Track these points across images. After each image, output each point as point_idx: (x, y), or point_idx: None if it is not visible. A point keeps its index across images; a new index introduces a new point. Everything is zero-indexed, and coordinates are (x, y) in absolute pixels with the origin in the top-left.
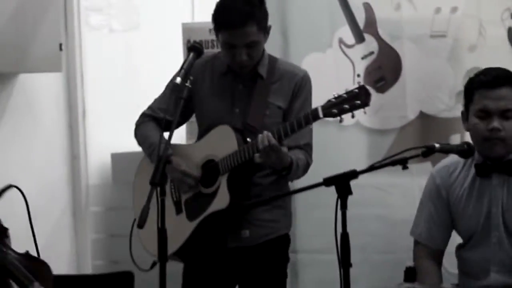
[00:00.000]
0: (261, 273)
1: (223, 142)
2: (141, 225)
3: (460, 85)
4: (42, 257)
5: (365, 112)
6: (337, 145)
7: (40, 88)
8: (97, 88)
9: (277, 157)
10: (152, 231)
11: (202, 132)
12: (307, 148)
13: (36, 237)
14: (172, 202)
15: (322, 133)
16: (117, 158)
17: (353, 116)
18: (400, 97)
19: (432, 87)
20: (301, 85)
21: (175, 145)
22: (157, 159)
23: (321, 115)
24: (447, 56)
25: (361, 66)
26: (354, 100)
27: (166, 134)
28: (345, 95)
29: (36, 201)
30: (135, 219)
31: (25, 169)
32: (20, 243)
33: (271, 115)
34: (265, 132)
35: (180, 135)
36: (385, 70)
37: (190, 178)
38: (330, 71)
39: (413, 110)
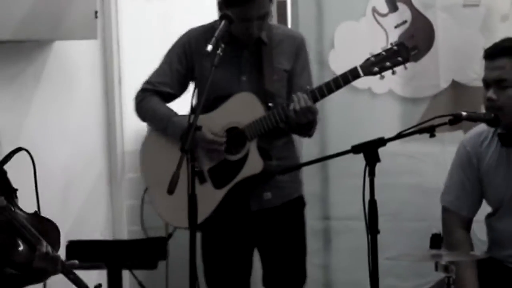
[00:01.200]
0: (282, 233)
1: (247, 109)
2: (171, 190)
3: None
4: (77, 222)
5: (406, 68)
6: (369, 114)
7: (76, 55)
8: (133, 55)
9: (313, 117)
10: (170, 200)
11: (211, 102)
12: None
13: (72, 202)
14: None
15: (355, 101)
16: None
17: (393, 73)
18: (432, 66)
19: (465, 57)
20: (301, 47)
21: (186, 116)
22: (187, 126)
23: (361, 73)
24: (479, 26)
25: (394, 35)
26: (395, 57)
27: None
28: (384, 53)
29: (71, 168)
30: (146, 188)
31: (61, 136)
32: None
33: (279, 79)
34: (299, 94)
35: None
36: (418, 39)
37: (220, 146)
38: (364, 40)
39: (446, 79)
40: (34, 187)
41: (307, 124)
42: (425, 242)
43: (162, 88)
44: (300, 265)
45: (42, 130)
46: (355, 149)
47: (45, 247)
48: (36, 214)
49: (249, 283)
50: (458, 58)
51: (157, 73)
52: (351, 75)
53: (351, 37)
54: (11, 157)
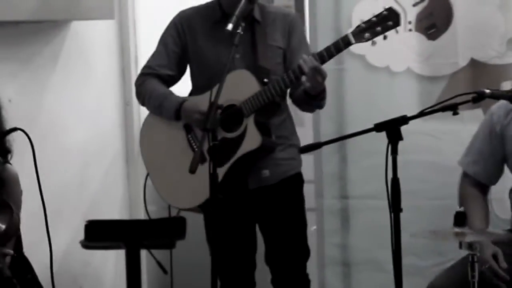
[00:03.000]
0: (281, 210)
1: (242, 86)
2: (193, 170)
3: (511, 32)
4: (95, 202)
5: (397, 32)
6: (388, 92)
7: (93, 35)
8: (149, 35)
9: (323, 80)
10: (172, 181)
11: (205, 81)
12: None
13: (89, 183)
14: (193, 152)
15: (373, 80)
16: None
17: (385, 38)
18: (451, 44)
19: (483, 34)
20: (294, 24)
21: (187, 98)
22: (209, 105)
23: (352, 40)
24: (498, 3)
25: (413, 13)
26: (385, 21)
27: None
28: (374, 18)
29: (88, 147)
30: (148, 174)
31: (78, 116)
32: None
33: (273, 56)
34: (304, 56)
35: None
36: (436, 17)
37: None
38: None
39: (464, 57)
40: (34, 169)
41: (319, 93)
42: (445, 220)
43: (162, 71)
44: (302, 241)
45: (59, 110)
46: (378, 127)
47: None
48: None
49: (255, 260)
50: (476, 36)
51: (154, 56)
52: (343, 43)
53: (369, 15)
54: (7, 135)
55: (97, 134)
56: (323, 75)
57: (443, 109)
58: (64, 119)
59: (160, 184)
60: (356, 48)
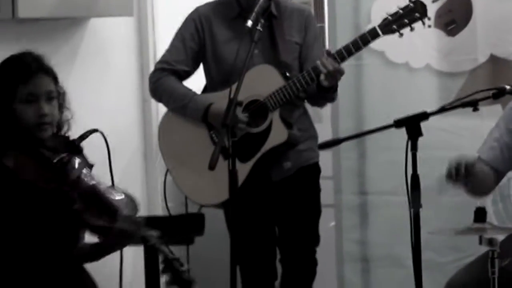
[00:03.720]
0: (297, 196)
1: (265, 81)
2: (212, 167)
3: None
4: None
5: (424, 24)
6: (407, 88)
7: (111, 32)
8: (168, 32)
9: (340, 78)
10: (194, 178)
11: (223, 77)
12: None
13: (107, 179)
14: None
15: (392, 76)
16: None
17: (412, 29)
18: (470, 40)
19: (503, 30)
20: (310, 20)
21: (207, 95)
22: (228, 101)
23: (380, 33)
24: None
25: (432, 9)
26: (412, 13)
27: None
28: (400, 11)
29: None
30: (167, 170)
31: (96, 113)
32: None
33: (292, 51)
34: (323, 58)
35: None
36: (456, 13)
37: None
38: None
39: (484, 53)
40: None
41: (333, 87)
42: (464, 216)
43: (179, 67)
44: (313, 227)
45: (77, 107)
46: (398, 123)
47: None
48: (113, 187)
49: (276, 251)
50: (496, 32)
51: (171, 52)
52: (370, 35)
53: (389, 12)
54: (86, 137)
55: (116, 131)
56: (342, 73)
57: (464, 105)
58: (82, 116)
59: (182, 180)
60: (376, 44)
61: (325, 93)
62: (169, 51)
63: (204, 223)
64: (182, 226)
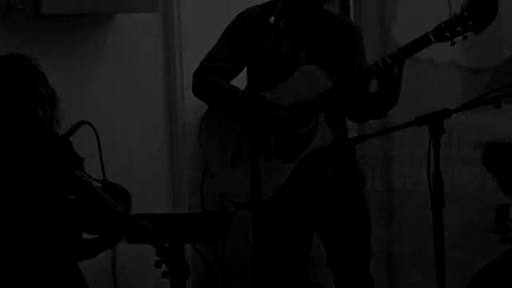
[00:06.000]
0: (343, 211)
1: (313, 83)
2: (233, 164)
3: None
4: (138, 193)
5: (476, 33)
6: (431, 84)
7: (137, 28)
8: (194, 28)
9: (397, 82)
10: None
11: (268, 78)
12: None
13: (133, 174)
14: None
15: (416, 72)
16: None
17: (464, 38)
18: (495, 36)
19: None
20: (357, 33)
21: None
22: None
23: (433, 39)
24: None
25: (457, 6)
26: (466, 21)
27: None
28: (454, 19)
29: (133, 141)
30: (206, 168)
31: (123, 109)
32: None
33: (337, 57)
34: (379, 61)
35: None
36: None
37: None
38: (427, 11)
39: (509, 49)
40: (98, 160)
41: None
42: (486, 214)
43: (225, 64)
44: (365, 242)
45: (103, 103)
46: (420, 121)
47: (120, 207)
48: (107, 181)
49: (309, 262)
50: None
51: (217, 49)
52: (423, 41)
53: (414, 8)
54: (75, 130)
55: (142, 127)
56: (397, 78)
57: (486, 102)
58: (108, 112)
59: (221, 178)
60: (402, 41)
61: (387, 102)
62: (215, 48)
63: (230, 221)
64: (208, 225)
